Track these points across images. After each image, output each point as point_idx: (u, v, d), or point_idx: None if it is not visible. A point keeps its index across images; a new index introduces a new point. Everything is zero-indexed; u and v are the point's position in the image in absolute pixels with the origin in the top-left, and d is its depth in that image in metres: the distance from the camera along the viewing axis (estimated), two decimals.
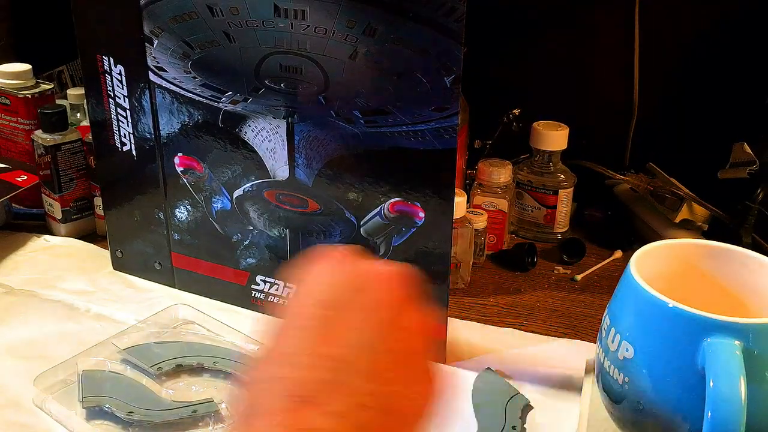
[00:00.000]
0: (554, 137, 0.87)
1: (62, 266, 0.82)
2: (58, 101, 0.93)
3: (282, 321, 0.39)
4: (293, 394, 0.35)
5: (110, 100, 0.73)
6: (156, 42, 0.67)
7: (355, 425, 0.35)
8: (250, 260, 0.73)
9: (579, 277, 0.82)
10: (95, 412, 0.60)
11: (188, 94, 0.68)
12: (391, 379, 0.38)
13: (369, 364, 0.37)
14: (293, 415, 0.34)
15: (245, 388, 0.38)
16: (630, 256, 0.53)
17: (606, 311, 0.54)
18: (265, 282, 0.73)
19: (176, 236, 0.75)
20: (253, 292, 0.73)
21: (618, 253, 0.87)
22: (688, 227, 0.86)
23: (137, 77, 0.70)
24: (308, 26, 0.59)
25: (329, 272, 0.41)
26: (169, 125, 0.70)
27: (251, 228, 0.71)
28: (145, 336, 0.68)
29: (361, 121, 0.62)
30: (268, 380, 0.37)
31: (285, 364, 0.37)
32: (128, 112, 0.72)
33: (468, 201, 0.83)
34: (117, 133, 0.74)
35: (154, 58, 0.68)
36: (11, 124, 0.90)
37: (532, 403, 0.62)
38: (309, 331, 0.38)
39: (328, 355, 0.37)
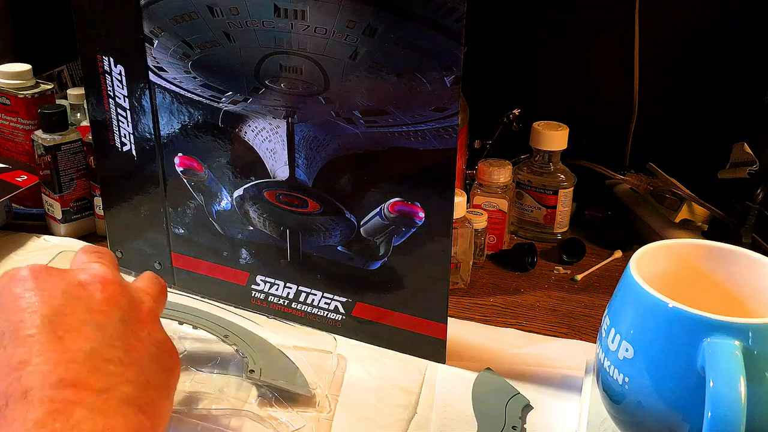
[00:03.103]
0: (554, 137, 0.87)
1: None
2: (58, 101, 0.93)
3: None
4: (56, 380, 0.40)
5: (110, 100, 0.73)
6: (156, 42, 0.67)
7: (119, 399, 0.42)
8: (250, 260, 0.73)
9: (579, 277, 0.82)
10: None
11: (188, 94, 0.68)
12: (139, 360, 0.45)
13: (115, 352, 0.44)
14: (62, 394, 0.39)
15: None
16: (630, 256, 0.53)
17: (606, 311, 0.54)
18: (265, 282, 0.73)
19: (176, 236, 0.75)
20: (253, 292, 0.73)
21: (618, 253, 0.87)
22: (688, 227, 0.87)
23: (137, 77, 0.70)
24: (308, 26, 0.59)
25: (36, 288, 0.46)
26: (169, 125, 0.70)
27: (251, 228, 0.71)
28: None
29: (361, 121, 0.62)
30: (18, 375, 0.41)
31: (31, 363, 0.41)
32: (128, 112, 0.72)
33: (468, 201, 0.83)
34: (117, 133, 0.74)
35: (154, 58, 0.68)
36: (11, 124, 0.90)
37: (532, 403, 0.62)
38: (40, 336, 0.43)
39: (76, 350, 0.42)
